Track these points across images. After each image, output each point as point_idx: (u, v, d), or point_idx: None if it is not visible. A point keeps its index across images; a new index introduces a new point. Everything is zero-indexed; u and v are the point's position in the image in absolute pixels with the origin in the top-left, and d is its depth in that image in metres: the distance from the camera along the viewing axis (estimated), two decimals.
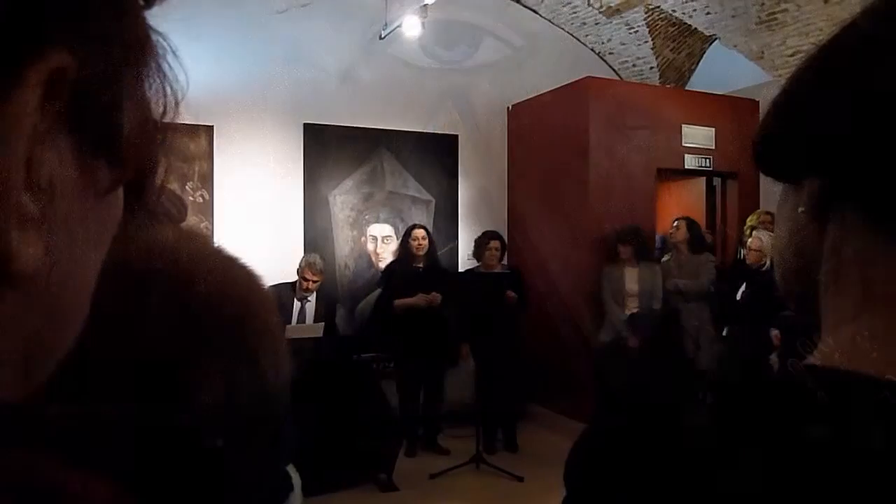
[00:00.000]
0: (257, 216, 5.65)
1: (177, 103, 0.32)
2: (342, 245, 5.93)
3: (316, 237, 5.82)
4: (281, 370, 0.57)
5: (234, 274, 0.58)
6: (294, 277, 5.11)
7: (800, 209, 0.46)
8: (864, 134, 0.40)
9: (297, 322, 5.02)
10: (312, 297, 5.10)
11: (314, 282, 5.02)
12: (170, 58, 0.32)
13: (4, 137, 0.25)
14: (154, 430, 0.32)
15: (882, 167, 0.40)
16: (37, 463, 0.26)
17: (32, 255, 0.27)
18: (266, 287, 0.61)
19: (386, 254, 5.73)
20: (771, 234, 5.06)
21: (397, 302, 5.10)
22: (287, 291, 5.03)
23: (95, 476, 0.27)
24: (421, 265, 5.23)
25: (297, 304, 5.06)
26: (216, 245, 0.60)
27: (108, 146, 0.30)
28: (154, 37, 0.31)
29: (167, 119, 0.32)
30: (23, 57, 0.25)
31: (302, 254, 5.46)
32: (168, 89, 0.32)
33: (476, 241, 5.47)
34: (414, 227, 5.32)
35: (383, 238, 5.99)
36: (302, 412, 4.29)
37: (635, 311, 5.41)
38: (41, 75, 0.26)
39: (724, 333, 5.39)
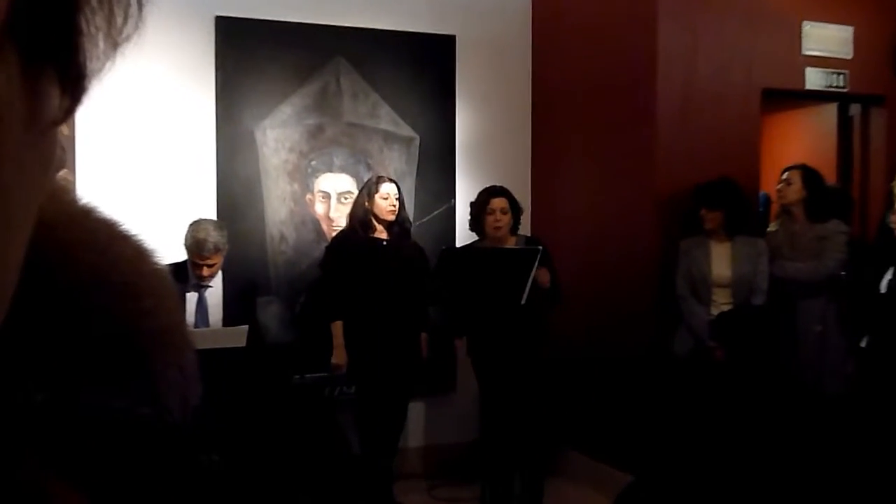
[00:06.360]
0: (143, 160, 4.58)
1: (139, 11, 0.29)
2: (276, 206, 4.79)
3: (235, 193, 4.70)
4: (188, 393, 0.48)
5: (116, 250, 0.46)
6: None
7: None
8: None
9: (194, 323, 4.11)
10: (217, 282, 4.14)
11: (209, 266, 4.03)
12: None
13: None
14: (137, 433, 0.28)
15: None
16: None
17: None
18: (164, 268, 0.49)
19: (344, 220, 4.62)
20: None
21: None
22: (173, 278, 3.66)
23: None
24: (385, 237, 4.30)
25: (190, 296, 4.11)
26: (85, 204, 0.46)
27: (64, 65, 0.28)
28: None
29: (126, 34, 0.29)
30: None
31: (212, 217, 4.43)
32: None
33: (472, 203, 4.44)
34: (380, 178, 4.38)
35: (340, 195, 4.85)
36: (224, 455, 3.51)
37: (726, 308, 4.52)
38: None
39: (863, 344, 4.59)
